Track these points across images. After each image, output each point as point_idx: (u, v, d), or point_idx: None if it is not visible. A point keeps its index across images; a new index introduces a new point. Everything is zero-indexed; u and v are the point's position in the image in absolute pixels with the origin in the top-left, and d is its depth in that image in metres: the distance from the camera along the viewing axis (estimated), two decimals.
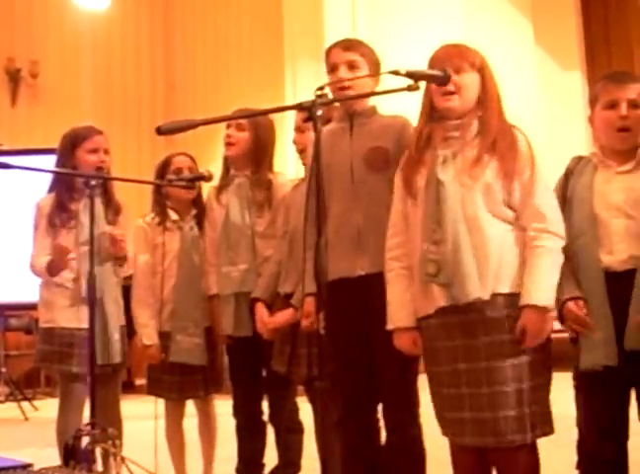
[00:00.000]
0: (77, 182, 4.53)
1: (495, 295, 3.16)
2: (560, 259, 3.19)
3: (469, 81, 3.32)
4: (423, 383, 3.48)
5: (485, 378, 3.12)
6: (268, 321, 4.26)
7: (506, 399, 3.09)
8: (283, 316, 4.22)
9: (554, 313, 3.21)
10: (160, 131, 2.71)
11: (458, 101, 3.31)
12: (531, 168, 3.23)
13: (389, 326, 3.39)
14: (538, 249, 3.17)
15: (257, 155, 4.55)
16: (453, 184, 3.21)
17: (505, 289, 3.17)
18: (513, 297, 3.16)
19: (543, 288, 3.13)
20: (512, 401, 3.09)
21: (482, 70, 3.36)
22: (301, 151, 4.38)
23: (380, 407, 3.71)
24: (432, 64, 3.34)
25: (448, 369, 3.21)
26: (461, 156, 3.25)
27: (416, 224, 3.31)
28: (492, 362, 3.12)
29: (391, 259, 3.44)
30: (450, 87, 3.27)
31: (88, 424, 3.96)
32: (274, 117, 4.08)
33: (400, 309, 3.37)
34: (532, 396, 3.11)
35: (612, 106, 3.42)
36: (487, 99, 3.34)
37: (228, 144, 4.55)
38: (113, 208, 4.70)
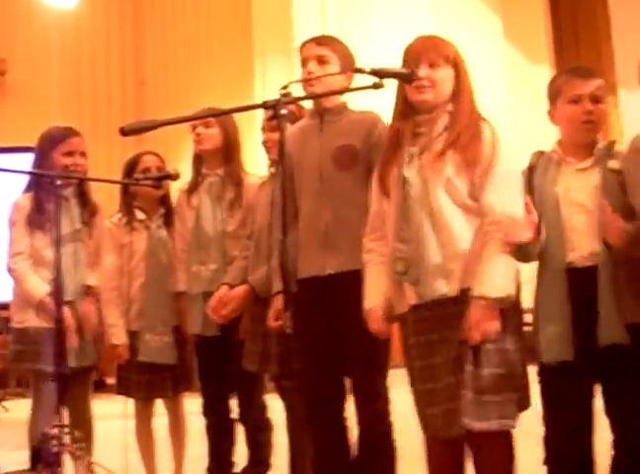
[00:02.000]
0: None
1: (467, 290, 3.17)
2: (507, 258, 3.18)
3: (444, 75, 3.33)
4: (400, 379, 3.48)
5: (460, 366, 3.13)
6: (224, 295, 4.26)
7: (479, 385, 3.10)
8: (237, 292, 4.24)
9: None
10: (124, 132, 2.69)
11: (432, 94, 3.31)
12: (491, 159, 3.23)
13: (365, 306, 3.38)
14: (489, 241, 3.17)
15: (227, 150, 4.54)
16: (417, 180, 3.22)
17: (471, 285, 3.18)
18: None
19: (493, 280, 3.13)
20: (487, 387, 3.10)
21: (456, 64, 3.37)
22: (270, 149, 4.38)
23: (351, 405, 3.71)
24: (407, 57, 3.35)
25: (424, 364, 3.22)
26: (428, 152, 3.26)
27: (390, 223, 3.32)
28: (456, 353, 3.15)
29: (368, 252, 3.45)
30: (425, 82, 3.28)
31: (55, 426, 3.94)
32: (241, 113, 4.09)
33: (374, 291, 3.37)
34: (493, 384, 3.12)
35: (576, 100, 3.44)
36: (460, 93, 3.35)
37: (199, 141, 4.54)
38: (89, 209, 4.67)
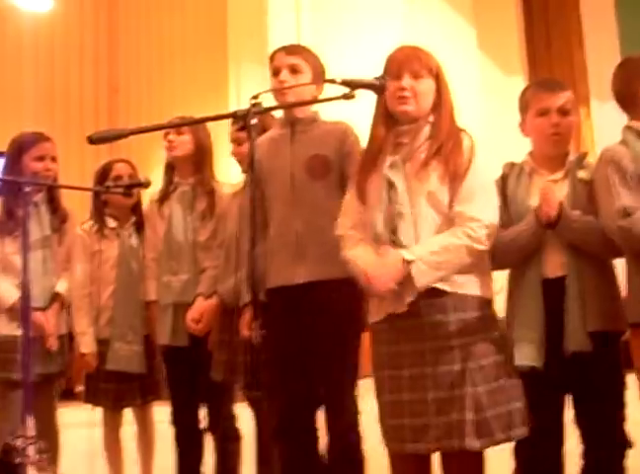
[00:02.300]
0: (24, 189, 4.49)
1: (442, 297, 3.16)
2: (463, 256, 3.17)
3: (426, 87, 3.33)
4: (369, 389, 3.47)
5: (430, 384, 3.12)
6: (199, 307, 4.27)
7: (452, 404, 3.09)
8: (210, 305, 4.26)
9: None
10: (92, 141, 2.68)
11: (414, 105, 3.31)
12: (466, 169, 3.23)
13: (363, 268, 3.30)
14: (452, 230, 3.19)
15: (199, 158, 4.53)
16: (402, 187, 3.22)
17: (453, 290, 3.18)
18: (462, 299, 3.18)
19: (425, 251, 3.14)
20: (459, 406, 3.09)
21: (438, 76, 3.37)
22: (241, 161, 4.38)
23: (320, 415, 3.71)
24: (389, 66, 3.35)
25: (393, 374, 3.21)
26: (411, 163, 3.27)
27: (369, 228, 3.30)
28: (437, 368, 3.13)
29: (346, 236, 3.41)
30: (407, 93, 3.29)
31: (19, 436, 3.90)
32: (215, 122, 4.08)
33: (366, 257, 3.30)
34: (488, 400, 3.11)
35: (543, 113, 3.48)
36: (441, 105, 3.35)
37: (171, 148, 4.53)
38: (59, 216, 4.66)
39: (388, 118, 3.38)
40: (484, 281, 3.27)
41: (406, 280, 3.13)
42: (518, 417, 3.16)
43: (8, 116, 12.02)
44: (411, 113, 3.32)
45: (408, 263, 3.11)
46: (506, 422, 3.13)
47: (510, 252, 3.40)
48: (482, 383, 3.11)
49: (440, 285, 3.16)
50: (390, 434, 3.24)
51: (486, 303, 3.25)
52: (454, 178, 3.21)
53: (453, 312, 3.16)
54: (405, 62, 3.32)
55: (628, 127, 3.39)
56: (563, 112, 3.48)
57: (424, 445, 3.13)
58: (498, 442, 3.13)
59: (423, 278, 3.12)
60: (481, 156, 3.30)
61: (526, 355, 3.27)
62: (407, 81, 3.30)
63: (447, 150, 3.24)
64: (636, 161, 3.25)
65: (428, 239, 3.18)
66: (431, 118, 3.35)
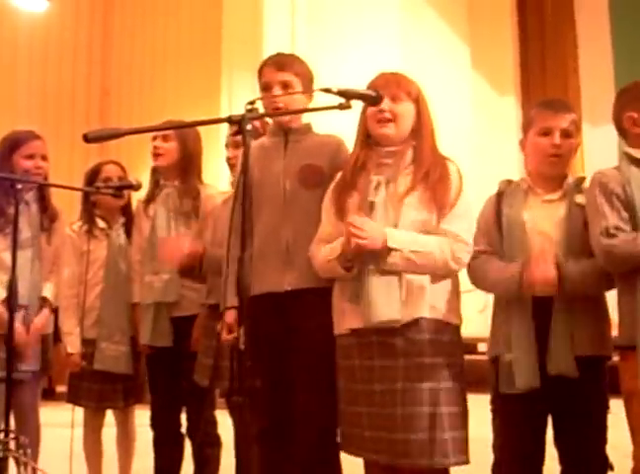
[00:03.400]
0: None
1: (418, 319, 3.18)
2: (437, 268, 3.22)
3: (405, 110, 3.37)
4: None
5: (400, 399, 3.14)
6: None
7: (420, 421, 3.12)
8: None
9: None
10: (87, 139, 2.67)
11: (394, 128, 3.35)
12: (455, 199, 3.28)
13: None
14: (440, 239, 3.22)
15: (185, 165, 4.53)
16: (386, 209, 3.24)
17: (428, 314, 3.20)
18: (437, 323, 3.21)
19: (407, 245, 3.17)
20: (425, 424, 3.11)
21: (418, 101, 3.41)
22: (233, 167, 4.38)
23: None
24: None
25: (366, 388, 3.23)
26: (394, 184, 3.29)
27: None
28: (408, 384, 3.15)
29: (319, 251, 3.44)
30: (387, 114, 3.31)
31: (0, 431, 3.89)
32: (207, 128, 4.09)
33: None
34: (449, 422, 3.14)
35: (546, 133, 3.48)
36: (422, 129, 3.38)
37: (156, 155, 4.53)
38: (48, 215, 4.66)
39: (369, 140, 3.42)
40: (455, 309, 3.33)
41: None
42: (466, 445, 3.20)
43: (1, 114, 12.01)
44: (391, 136, 3.37)
45: (389, 248, 3.16)
46: (459, 446, 3.17)
47: (491, 290, 3.51)
48: (446, 405, 3.16)
49: (422, 314, 3.19)
50: (365, 444, 3.25)
51: (455, 330, 3.31)
52: (442, 207, 3.25)
53: (427, 332, 3.20)
54: (384, 87, 3.35)
55: (623, 153, 3.40)
56: (566, 134, 3.48)
57: (394, 459, 3.17)
58: (450, 465, 3.18)
59: (391, 264, 3.16)
60: (468, 178, 3.35)
61: (526, 378, 3.27)
62: (386, 104, 3.33)
63: (434, 178, 3.27)
64: (625, 185, 3.26)
65: (417, 234, 3.21)
66: (413, 143, 3.37)
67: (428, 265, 3.20)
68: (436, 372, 3.16)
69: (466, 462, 3.19)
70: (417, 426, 3.12)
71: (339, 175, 3.49)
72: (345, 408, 3.34)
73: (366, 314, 3.18)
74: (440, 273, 3.24)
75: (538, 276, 3.25)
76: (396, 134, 3.36)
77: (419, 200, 3.25)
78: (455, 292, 3.34)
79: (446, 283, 3.29)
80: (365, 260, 3.20)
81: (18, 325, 4.26)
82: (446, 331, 3.24)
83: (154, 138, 4.54)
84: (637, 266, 3.14)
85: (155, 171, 4.63)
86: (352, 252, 3.21)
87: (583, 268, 3.29)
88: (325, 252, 3.37)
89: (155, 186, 4.61)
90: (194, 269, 4.16)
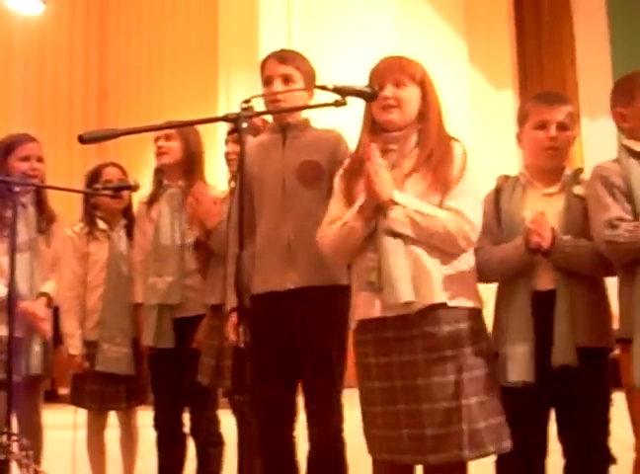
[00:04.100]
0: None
1: (434, 309, 3.12)
2: (442, 241, 3.17)
3: (409, 95, 3.31)
4: (351, 398, 3.45)
5: (424, 395, 3.09)
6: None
7: (448, 415, 3.07)
8: None
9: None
10: (82, 140, 2.66)
11: (399, 114, 3.30)
12: (459, 176, 3.22)
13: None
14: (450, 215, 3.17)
15: (189, 164, 4.53)
16: None
17: (443, 300, 3.13)
18: (454, 311, 3.15)
19: (413, 203, 3.15)
20: (455, 417, 3.07)
21: (423, 83, 3.35)
22: (231, 162, 4.38)
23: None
24: (372, 77, 3.34)
25: (384, 386, 3.18)
26: (399, 168, 3.25)
27: None
28: (431, 379, 3.10)
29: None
30: (391, 101, 3.28)
31: (2, 433, 3.89)
32: (205, 127, 4.09)
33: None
34: (480, 412, 3.09)
35: (542, 126, 3.47)
36: (428, 112, 3.33)
37: (160, 154, 4.53)
38: (46, 217, 4.65)
39: (376, 127, 3.38)
40: (474, 292, 3.26)
41: None
42: (505, 429, 3.15)
43: None
44: (396, 121, 3.31)
45: (394, 202, 3.14)
46: (496, 434, 3.12)
47: (498, 271, 3.40)
48: (475, 395, 3.10)
49: (437, 300, 3.12)
50: (383, 444, 3.21)
51: (476, 314, 3.23)
52: (442, 186, 3.19)
53: (445, 323, 3.14)
54: (387, 72, 3.32)
55: (622, 145, 3.39)
56: (562, 126, 3.46)
57: (420, 457, 3.12)
58: (488, 454, 3.13)
59: (394, 220, 3.13)
60: (474, 164, 3.30)
61: (520, 371, 3.25)
62: (389, 90, 3.29)
63: (437, 158, 3.22)
64: (625, 178, 3.25)
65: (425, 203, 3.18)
66: (419, 126, 3.33)
67: (431, 230, 3.13)
68: (458, 363, 3.11)
69: (508, 448, 3.14)
70: (447, 420, 3.06)
71: (346, 161, 3.46)
72: (365, 409, 3.29)
73: (385, 296, 3.11)
74: (446, 245, 3.16)
75: (534, 225, 3.23)
76: (401, 119, 3.31)
77: (422, 182, 3.20)
78: (472, 275, 3.28)
79: (462, 267, 3.22)
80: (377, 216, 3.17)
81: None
82: (465, 317, 3.17)
83: (157, 139, 4.54)
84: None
85: (158, 171, 4.63)
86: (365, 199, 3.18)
87: (577, 243, 3.28)
88: (336, 225, 3.28)
89: (158, 186, 4.62)
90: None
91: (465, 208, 3.18)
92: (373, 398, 3.22)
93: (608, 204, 3.22)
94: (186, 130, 4.50)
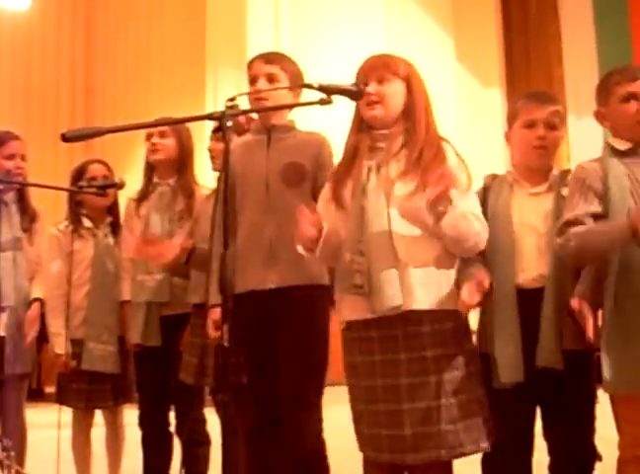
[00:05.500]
0: None
1: (418, 311, 3.12)
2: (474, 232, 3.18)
3: (392, 90, 3.31)
4: (339, 396, 3.45)
5: (405, 394, 3.10)
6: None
7: (427, 414, 3.08)
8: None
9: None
10: (65, 138, 2.64)
11: (382, 110, 3.30)
12: (460, 176, 3.22)
13: None
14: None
15: (181, 162, 4.53)
16: (377, 194, 3.19)
17: (428, 306, 3.14)
18: (438, 312, 3.15)
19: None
20: (434, 417, 3.08)
21: (409, 79, 3.35)
22: (214, 158, 4.37)
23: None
24: (358, 76, 3.35)
25: (368, 384, 3.19)
26: (386, 168, 3.25)
27: (346, 234, 3.26)
28: (413, 378, 3.11)
29: None
30: (373, 97, 3.28)
31: None
32: (193, 124, 4.08)
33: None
34: (460, 412, 3.10)
35: (531, 125, 3.47)
36: (414, 109, 3.32)
37: (154, 151, 4.52)
38: (28, 215, 4.64)
39: (364, 125, 3.38)
40: (458, 293, 3.24)
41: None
42: (484, 430, 3.16)
43: None
44: (380, 117, 3.31)
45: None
46: (475, 434, 3.13)
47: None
48: (455, 395, 3.11)
49: (416, 306, 3.12)
50: (367, 442, 3.23)
51: (460, 315, 3.22)
52: (432, 185, 3.15)
53: (429, 323, 3.14)
54: (371, 70, 3.33)
55: (606, 143, 3.40)
56: (550, 125, 3.46)
57: (400, 456, 3.12)
58: (466, 454, 3.13)
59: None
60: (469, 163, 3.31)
61: (510, 372, 3.26)
62: (372, 87, 3.29)
63: (427, 159, 3.22)
64: (603, 178, 3.23)
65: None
66: (406, 124, 3.33)
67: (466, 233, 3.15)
68: (439, 364, 3.11)
69: (486, 449, 3.15)
70: (425, 419, 3.08)
71: (335, 165, 3.46)
72: (352, 406, 3.30)
73: (373, 301, 3.11)
74: (455, 247, 3.18)
75: None
76: (385, 115, 3.31)
77: (410, 183, 3.19)
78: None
79: (447, 269, 3.21)
80: None
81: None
82: (449, 318, 3.17)
83: (150, 136, 4.52)
84: (590, 260, 3.17)
85: (149, 168, 4.61)
86: None
87: None
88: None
89: (149, 183, 4.60)
90: (180, 264, 4.17)
91: (476, 210, 3.21)
92: (359, 396, 3.24)
93: (573, 205, 3.21)
94: (179, 128, 4.49)
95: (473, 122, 11.20)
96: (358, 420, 3.26)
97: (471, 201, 3.23)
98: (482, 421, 3.16)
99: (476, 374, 3.21)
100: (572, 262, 3.21)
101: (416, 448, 3.08)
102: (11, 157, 4.55)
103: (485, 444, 3.15)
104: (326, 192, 3.42)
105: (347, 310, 3.25)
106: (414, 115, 3.32)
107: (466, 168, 3.28)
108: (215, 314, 3.68)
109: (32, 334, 4.50)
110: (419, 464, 3.12)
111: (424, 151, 3.23)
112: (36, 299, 4.56)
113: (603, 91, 3.41)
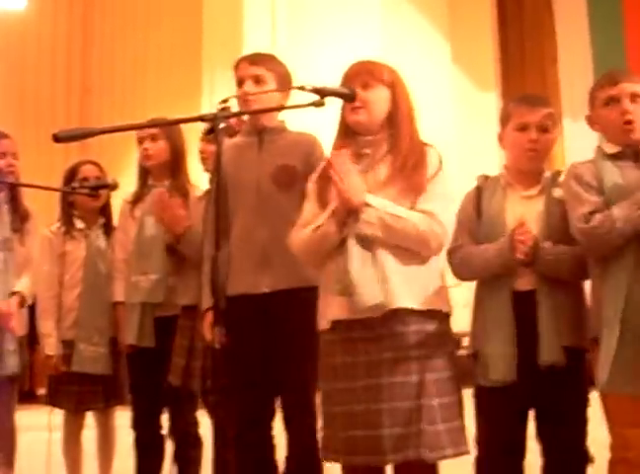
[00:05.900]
0: None
1: (401, 312, 3.14)
2: (418, 239, 3.18)
3: (376, 96, 3.33)
4: None
5: (386, 393, 3.11)
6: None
7: (409, 415, 3.08)
8: None
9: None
10: (57, 139, 2.63)
11: (366, 115, 3.32)
12: (431, 181, 3.24)
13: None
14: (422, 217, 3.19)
15: (175, 163, 4.51)
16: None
17: (412, 305, 3.15)
18: (421, 313, 3.16)
19: (385, 205, 3.16)
20: (415, 417, 3.08)
21: (393, 86, 3.37)
22: (205, 160, 4.37)
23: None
24: (343, 81, 3.36)
25: (346, 387, 3.19)
26: (372, 173, 3.27)
27: None
28: (394, 378, 3.12)
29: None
30: (357, 103, 3.29)
31: None
32: (187, 125, 4.08)
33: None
34: (441, 414, 3.11)
35: (523, 128, 3.49)
36: (398, 115, 3.35)
37: (147, 156, 4.50)
38: (19, 215, 4.62)
39: (349, 130, 3.40)
40: (442, 296, 3.28)
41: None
42: (464, 433, 3.18)
43: None
44: (363, 122, 3.33)
45: (368, 205, 3.16)
46: (456, 437, 3.14)
47: (478, 271, 3.44)
48: (437, 396, 3.12)
49: (399, 304, 3.14)
50: (339, 446, 3.21)
51: (443, 317, 3.26)
52: (415, 192, 3.22)
53: (413, 324, 3.16)
54: (355, 76, 3.35)
55: (598, 147, 3.42)
56: (543, 128, 3.49)
57: (378, 457, 3.12)
58: (446, 457, 3.14)
59: (366, 223, 3.15)
60: (449, 171, 3.32)
61: (501, 370, 3.28)
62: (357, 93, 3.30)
63: (410, 166, 3.24)
64: (598, 178, 3.28)
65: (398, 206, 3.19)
66: (390, 131, 3.35)
67: (403, 231, 3.16)
68: (423, 364, 3.13)
69: (466, 452, 3.17)
70: (407, 419, 3.08)
71: (321, 165, 3.46)
72: (324, 409, 3.30)
73: (354, 301, 3.11)
74: (417, 246, 3.19)
75: (518, 236, 3.25)
76: (369, 121, 3.33)
77: (396, 190, 3.22)
78: (441, 279, 3.30)
79: (430, 270, 3.24)
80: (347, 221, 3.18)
81: None
82: (433, 320, 3.19)
83: (142, 140, 4.49)
84: (616, 244, 3.15)
85: (143, 171, 4.60)
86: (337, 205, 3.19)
87: (558, 250, 3.30)
88: (309, 229, 3.30)
89: (143, 185, 4.58)
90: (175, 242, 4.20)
91: (437, 211, 3.21)
92: (334, 398, 3.24)
93: (583, 200, 3.24)
94: (170, 130, 4.46)
95: (469, 124, 11.19)
96: (329, 423, 3.26)
97: (440, 204, 3.24)
98: (463, 424, 3.19)
99: (457, 378, 3.23)
100: (597, 247, 3.22)
101: (395, 449, 3.08)
102: (1, 155, 4.54)
103: (466, 448, 3.17)
104: (311, 193, 3.43)
105: (333, 311, 3.25)
106: (398, 121, 3.35)
107: (439, 171, 3.29)
108: (210, 317, 3.67)
109: (12, 327, 4.43)
110: (400, 463, 3.14)
111: (407, 159, 3.26)
112: (15, 293, 4.49)
113: (590, 95, 3.45)
